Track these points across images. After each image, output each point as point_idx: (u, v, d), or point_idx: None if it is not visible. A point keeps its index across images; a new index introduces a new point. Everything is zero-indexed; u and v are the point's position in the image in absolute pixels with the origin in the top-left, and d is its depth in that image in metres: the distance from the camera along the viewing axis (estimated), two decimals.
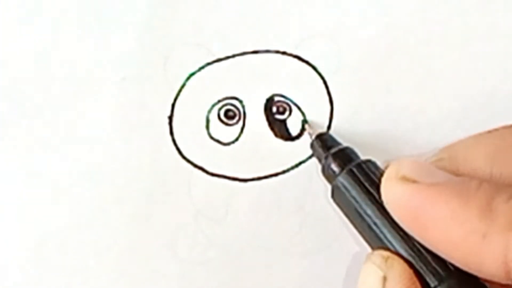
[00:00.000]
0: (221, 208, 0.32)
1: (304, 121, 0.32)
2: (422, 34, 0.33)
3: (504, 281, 0.24)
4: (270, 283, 0.31)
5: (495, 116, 0.32)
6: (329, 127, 0.32)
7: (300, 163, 0.32)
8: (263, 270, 0.31)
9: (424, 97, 0.32)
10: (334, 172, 0.29)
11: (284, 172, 0.32)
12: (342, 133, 0.31)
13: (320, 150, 0.30)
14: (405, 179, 0.26)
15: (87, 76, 0.33)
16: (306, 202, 0.31)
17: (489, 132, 0.28)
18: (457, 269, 0.25)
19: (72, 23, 0.33)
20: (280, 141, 0.32)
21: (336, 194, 0.29)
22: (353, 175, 0.28)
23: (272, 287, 0.31)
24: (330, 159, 0.29)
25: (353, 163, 0.29)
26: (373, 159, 0.29)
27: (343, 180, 0.28)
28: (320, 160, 0.30)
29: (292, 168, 0.32)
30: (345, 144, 0.30)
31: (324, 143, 0.30)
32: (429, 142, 0.31)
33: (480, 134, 0.28)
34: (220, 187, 0.32)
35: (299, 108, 0.32)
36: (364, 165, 0.28)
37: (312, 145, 0.31)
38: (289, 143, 0.32)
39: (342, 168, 0.29)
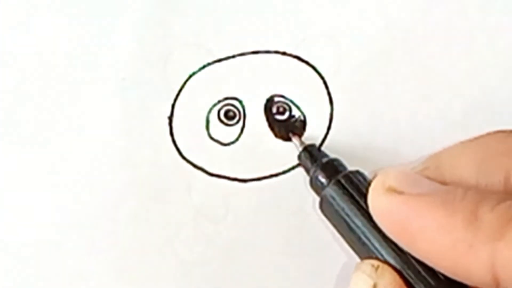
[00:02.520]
0: (221, 208, 0.32)
1: (292, 133, 0.32)
2: (422, 34, 0.33)
3: None
4: (270, 283, 0.31)
5: (495, 116, 0.32)
6: (329, 127, 0.32)
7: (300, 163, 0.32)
8: (263, 270, 0.31)
9: (424, 97, 0.32)
10: (321, 183, 0.29)
11: (284, 172, 0.32)
12: (342, 133, 0.32)
13: (307, 162, 0.30)
14: (391, 190, 0.26)
15: (87, 76, 0.33)
16: (306, 203, 0.31)
17: (475, 139, 0.28)
18: (446, 278, 0.25)
19: (72, 23, 0.33)
20: (280, 141, 0.32)
21: (325, 205, 0.29)
22: (341, 186, 0.28)
23: (272, 287, 0.31)
24: (318, 170, 0.29)
25: (341, 174, 0.29)
26: (361, 170, 0.29)
27: (331, 191, 0.28)
28: (308, 172, 0.30)
29: (292, 168, 0.32)
30: (332, 155, 0.30)
31: (311, 155, 0.31)
32: (428, 142, 0.31)
33: (465, 142, 0.28)
34: (220, 187, 0.32)
35: (299, 108, 0.32)
36: (351, 176, 0.28)
37: (299, 157, 0.31)
38: (289, 143, 0.32)
39: (329, 179, 0.29)
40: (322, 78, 0.32)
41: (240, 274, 0.31)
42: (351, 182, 0.28)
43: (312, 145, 0.31)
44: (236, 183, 0.32)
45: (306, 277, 0.31)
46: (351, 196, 0.28)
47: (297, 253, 0.31)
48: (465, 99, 0.32)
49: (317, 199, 0.29)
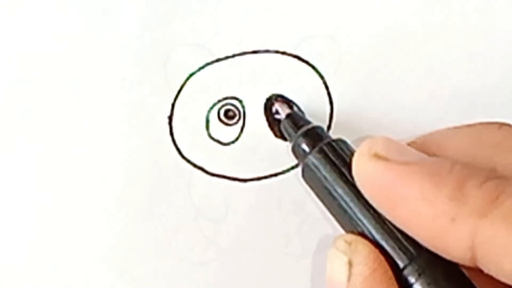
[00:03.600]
0: (221, 208, 0.32)
1: (275, 98, 0.32)
2: (422, 34, 0.33)
3: (469, 265, 0.23)
4: (270, 283, 0.31)
5: (495, 116, 0.31)
6: (329, 127, 0.32)
7: None
8: (263, 270, 0.31)
9: (424, 97, 0.32)
10: (304, 151, 0.29)
11: (284, 172, 0.32)
12: (342, 133, 0.31)
13: (290, 129, 0.30)
14: (378, 156, 0.25)
15: (87, 76, 0.33)
16: (306, 202, 0.31)
17: (467, 126, 0.27)
18: (428, 249, 0.24)
19: (72, 23, 0.33)
20: (280, 141, 0.32)
21: (307, 173, 0.28)
22: (324, 153, 0.28)
23: (272, 287, 0.31)
24: (300, 138, 0.29)
25: (324, 142, 0.28)
26: (344, 138, 0.29)
27: (313, 159, 0.28)
28: (290, 140, 0.30)
29: (292, 168, 0.32)
30: (315, 123, 0.30)
31: (295, 123, 0.30)
32: None
33: (457, 127, 0.28)
34: (220, 187, 0.32)
35: (299, 108, 0.32)
36: (335, 144, 0.28)
37: (282, 125, 0.31)
38: (289, 143, 0.32)
39: (312, 147, 0.28)
40: (322, 78, 0.32)
41: (240, 274, 0.31)
42: (334, 150, 0.28)
43: (295, 112, 0.31)
44: (236, 183, 0.32)
45: (306, 277, 0.31)
46: (334, 164, 0.27)
47: (297, 253, 0.31)
48: (465, 99, 0.32)
49: (317, 198, 0.29)
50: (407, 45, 0.33)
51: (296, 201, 0.31)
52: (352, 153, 0.27)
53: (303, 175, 0.29)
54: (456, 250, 0.23)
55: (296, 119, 0.30)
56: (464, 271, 0.25)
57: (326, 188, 0.27)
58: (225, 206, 0.32)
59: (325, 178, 0.27)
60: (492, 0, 0.33)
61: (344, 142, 0.28)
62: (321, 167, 0.28)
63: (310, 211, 0.31)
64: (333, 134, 0.31)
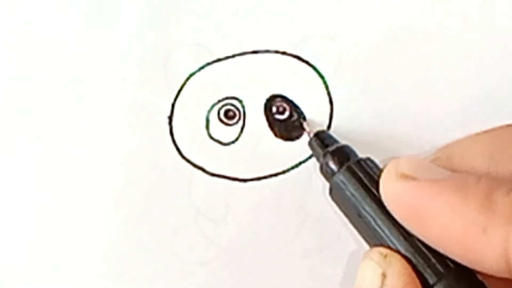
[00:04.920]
0: (221, 208, 0.32)
1: (303, 119, 0.32)
2: (422, 34, 0.33)
3: (504, 275, 0.24)
4: (270, 283, 0.31)
5: (495, 116, 0.31)
6: (329, 127, 0.32)
7: (300, 163, 0.32)
8: (263, 270, 0.31)
9: (424, 97, 0.32)
10: (332, 170, 0.29)
11: (284, 172, 0.32)
12: (342, 133, 0.31)
13: (318, 148, 0.30)
14: (404, 176, 0.26)
15: (87, 76, 0.33)
16: (306, 202, 0.31)
17: (487, 131, 0.28)
18: (456, 266, 0.25)
19: (71, 23, 0.33)
20: (280, 141, 0.32)
21: (335, 192, 0.29)
22: (352, 172, 0.28)
23: (272, 287, 0.31)
24: (328, 156, 0.29)
25: (352, 161, 0.29)
26: (372, 157, 0.29)
27: (341, 177, 0.28)
28: (318, 158, 0.30)
29: (292, 168, 0.32)
30: (343, 142, 0.30)
31: (322, 141, 0.30)
32: (429, 142, 0.31)
33: (477, 134, 0.28)
34: (220, 187, 0.32)
35: (299, 108, 0.32)
36: (362, 163, 0.28)
37: (310, 143, 0.31)
38: (289, 143, 0.32)
39: (340, 165, 0.29)
40: (322, 78, 0.32)
41: (240, 274, 0.31)
42: (362, 168, 0.28)
43: (323, 131, 0.31)
44: (236, 183, 0.32)
45: (306, 277, 0.31)
46: (362, 183, 0.28)
47: (297, 253, 0.31)
48: (465, 99, 0.32)
49: (317, 199, 0.29)
50: (407, 45, 0.33)
51: (296, 201, 0.31)
52: (380, 171, 0.27)
53: (331, 194, 0.29)
54: (490, 260, 0.23)
55: (324, 137, 0.31)
56: None
57: (354, 206, 0.28)
58: (225, 206, 0.32)
59: (354, 196, 0.28)
60: (492, 0, 0.33)
61: (371, 160, 0.29)
62: (349, 186, 0.28)
63: (310, 211, 0.31)
64: (333, 134, 0.31)
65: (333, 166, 0.29)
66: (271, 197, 0.32)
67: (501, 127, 0.28)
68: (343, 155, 0.29)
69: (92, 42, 0.33)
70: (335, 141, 0.30)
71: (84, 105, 0.33)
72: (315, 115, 0.32)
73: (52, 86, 0.33)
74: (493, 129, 0.28)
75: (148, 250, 0.31)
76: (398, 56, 0.32)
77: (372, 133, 0.32)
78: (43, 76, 0.33)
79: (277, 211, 0.32)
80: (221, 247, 0.31)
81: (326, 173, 0.29)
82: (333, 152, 0.29)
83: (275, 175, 0.32)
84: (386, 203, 0.26)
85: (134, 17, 0.33)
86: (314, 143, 0.31)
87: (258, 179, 0.32)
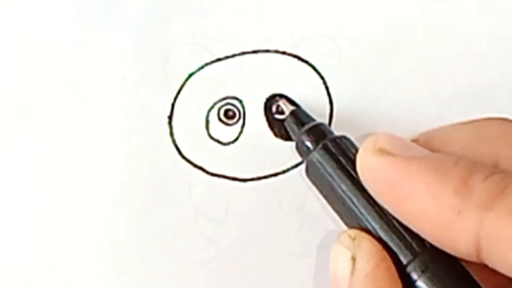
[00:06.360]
0: (220, 208, 0.32)
1: (279, 96, 0.32)
2: (422, 34, 0.33)
3: (473, 259, 0.24)
4: (270, 283, 0.31)
5: (495, 115, 0.31)
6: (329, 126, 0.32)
7: (300, 163, 0.32)
8: (263, 270, 0.31)
9: (424, 97, 0.32)
10: (308, 148, 0.29)
11: (284, 172, 0.32)
12: (342, 133, 0.31)
13: (294, 126, 0.30)
14: (383, 151, 0.25)
15: (87, 76, 0.33)
16: (306, 202, 0.31)
17: (469, 121, 0.28)
18: (432, 246, 0.25)
19: (71, 23, 0.33)
20: (280, 141, 0.32)
21: (311, 170, 0.28)
22: (328, 150, 0.28)
23: (272, 287, 0.31)
24: (304, 134, 0.29)
25: (328, 138, 0.28)
26: (348, 135, 0.29)
27: (317, 155, 0.28)
28: (294, 136, 0.30)
29: (292, 168, 0.32)
30: (319, 120, 0.30)
31: (298, 119, 0.30)
32: None
33: (460, 123, 0.28)
34: (220, 187, 0.32)
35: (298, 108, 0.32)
36: (338, 141, 0.28)
37: (286, 121, 0.31)
38: (289, 143, 0.32)
39: (316, 144, 0.28)
40: (322, 78, 0.32)
41: (240, 274, 0.31)
42: (338, 146, 0.28)
43: (299, 110, 0.31)
44: (236, 182, 0.32)
45: (306, 277, 0.31)
46: (338, 161, 0.27)
47: (297, 253, 0.31)
48: (465, 99, 0.32)
49: (317, 199, 0.29)
50: (407, 45, 0.33)
51: (296, 201, 0.31)
52: (356, 149, 0.27)
53: (307, 172, 0.29)
54: (461, 244, 0.23)
55: (300, 116, 0.31)
56: (468, 268, 0.25)
57: (330, 184, 0.27)
58: (225, 206, 0.32)
59: (329, 174, 0.27)
60: (492, 0, 0.33)
61: (347, 139, 0.28)
62: (325, 164, 0.28)
63: (310, 211, 0.31)
64: (310, 112, 0.31)
65: (309, 144, 0.29)
66: (271, 197, 0.32)
67: (484, 119, 0.28)
68: (319, 133, 0.29)
69: (92, 42, 0.33)
70: (312, 119, 0.30)
71: (84, 105, 0.33)
72: (315, 115, 0.32)
73: (52, 86, 0.33)
74: (476, 120, 0.28)
75: (148, 250, 0.31)
76: (398, 56, 0.32)
77: (372, 133, 0.32)
78: (43, 76, 0.33)
79: (277, 211, 0.32)
80: (221, 247, 0.31)
81: (302, 151, 0.29)
82: (309, 130, 0.29)
83: (275, 175, 0.32)
84: (362, 178, 0.26)
85: (134, 17, 0.33)
86: (290, 121, 0.30)
87: (258, 179, 0.32)
